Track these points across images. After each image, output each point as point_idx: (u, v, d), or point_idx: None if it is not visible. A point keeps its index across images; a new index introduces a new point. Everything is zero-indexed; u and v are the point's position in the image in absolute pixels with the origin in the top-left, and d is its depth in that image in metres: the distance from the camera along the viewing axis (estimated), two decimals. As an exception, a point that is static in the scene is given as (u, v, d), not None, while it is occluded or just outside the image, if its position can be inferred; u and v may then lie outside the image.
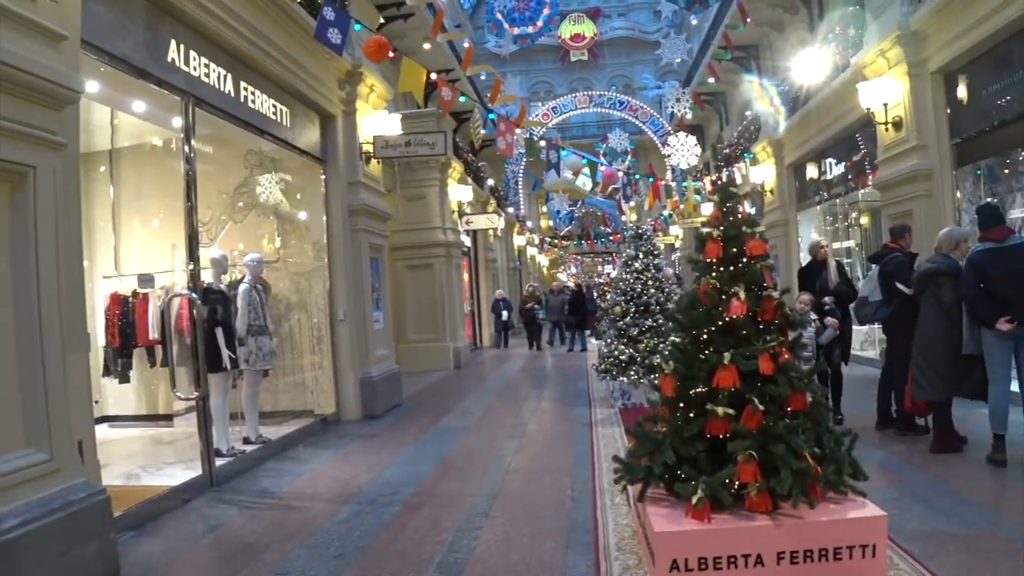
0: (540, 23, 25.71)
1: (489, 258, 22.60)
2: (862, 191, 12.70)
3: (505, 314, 20.75)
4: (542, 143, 10.74)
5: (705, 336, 4.02)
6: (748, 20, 17.47)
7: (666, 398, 4.09)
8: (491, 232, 23.01)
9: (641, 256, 9.35)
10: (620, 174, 10.96)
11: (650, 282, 9.22)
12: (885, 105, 10.13)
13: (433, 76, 9.14)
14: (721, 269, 4.04)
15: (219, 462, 6.61)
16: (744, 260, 4.02)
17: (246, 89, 7.44)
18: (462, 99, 9.77)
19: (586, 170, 31.61)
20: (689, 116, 16.53)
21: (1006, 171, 8.98)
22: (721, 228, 4.10)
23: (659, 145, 28.17)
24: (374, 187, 10.42)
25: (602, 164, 10.53)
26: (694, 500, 3.49)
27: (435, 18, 9.63)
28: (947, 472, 5.52)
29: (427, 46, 23.62)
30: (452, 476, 6.35)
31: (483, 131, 9.98)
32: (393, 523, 4.99)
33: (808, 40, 19.05)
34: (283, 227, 8.99)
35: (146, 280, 8.16)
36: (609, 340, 9.37)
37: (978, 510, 4.59)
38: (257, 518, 5.34)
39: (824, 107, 13.06)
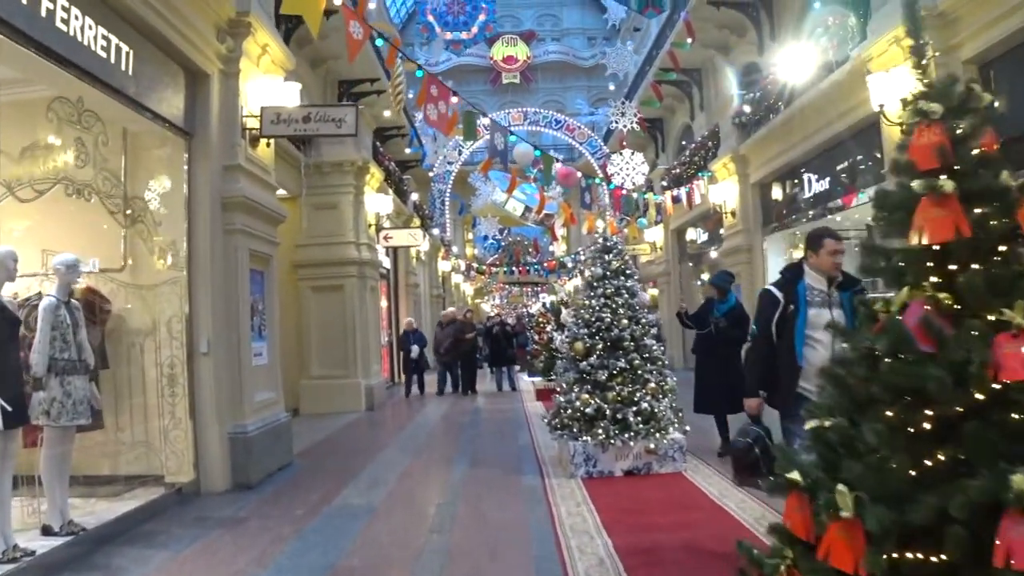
0: (475, 29, 23.67)
1: (411, 283, 20.12)
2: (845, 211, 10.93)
3: (416, 350, 15.66)
4: (484, 120, 8.49)
5: (928, 425, 1.74)
6: (693, 41, 15.76)
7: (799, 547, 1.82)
8: (414, 254, 20.58)
9: (610, 276, 7.13)
10: (579, 174, 8.94)
11: (621, 310, 7.00)
12: (903, 101, 8.27)
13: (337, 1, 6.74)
14: (959, 268, 1.80)
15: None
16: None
17: (55, 1, 4.94)
18: (379, 42, 7.38)
19: (518, 193, 29.65)
20: (636, 128, 14.70)
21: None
22: (954, 174, 1.88)
23: (596, 168, 26.42)
24: (261, 176, 7.94)
25: (558, 161, 8.56)
26: None
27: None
28: None
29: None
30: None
31: (406, 95, 7.61)
32: None
33: (757, 65, 17.65)
34: (117, 219, 6.39)
35: None
36: (565, 386, 7.09)
37: None
38: None
39: (808, 113, 11.24)
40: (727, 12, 19.35)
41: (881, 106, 8.49)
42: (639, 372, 6.79)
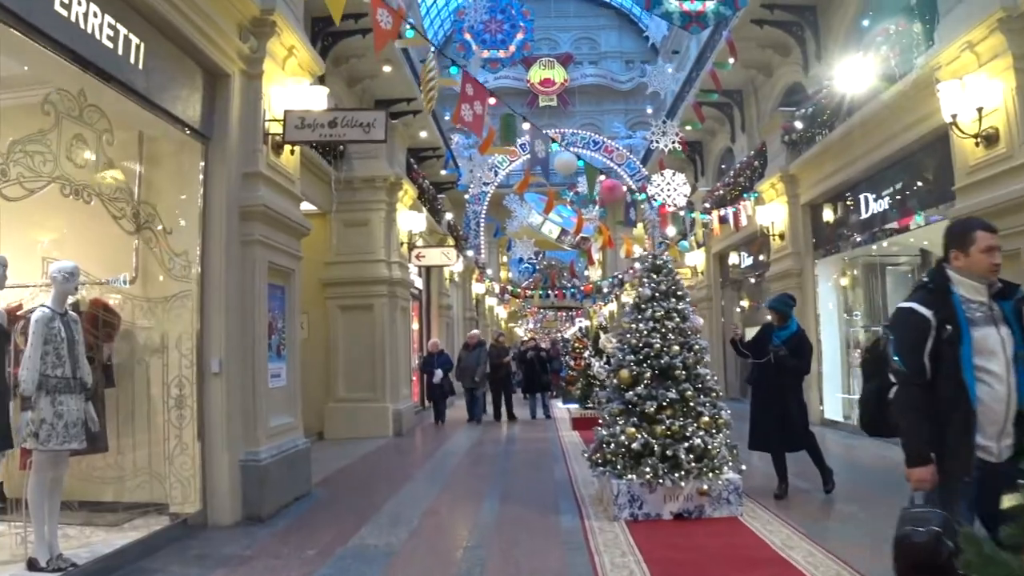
0: (512, 48, 23.29)
1: (443, 304, 19.58)
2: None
3: (439, 374, 14.49)
4: (526, 125, 7.86)
5: None
6: (735, 60, 15.14)
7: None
8: (447, 275, 20.06)
9: (659, 297, 6.48)
10: (624, 188, 8.30)
11: (672, 335, 6.33)
12: (980, 111, 7.55)
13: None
14: None
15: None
16: None
17: (56, -16, 4.48)
18: (409, 34, 6.83)
19: (554, 215, 29.09)
20: (678, 148, 14.00)
21: None
22: None
23: (635, 189, 25.76)
24: (284, 185, 7.44)
25: (602, 174, 7.95)
26: None
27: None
28: None
29: (387, 69, 21.12)
30: None
31: (438, 91, 6.99)
32: None
33: (801, 85, 16.92)
34: (122, 226, 5.89)
35: None
36: (608, 418, 6.42)
37: None
38: None
39: (867, 128, 10.52)
40: (770, 31, 18.71)
41: (954, 116, 7.77)
42: (691, 404, 6.09)
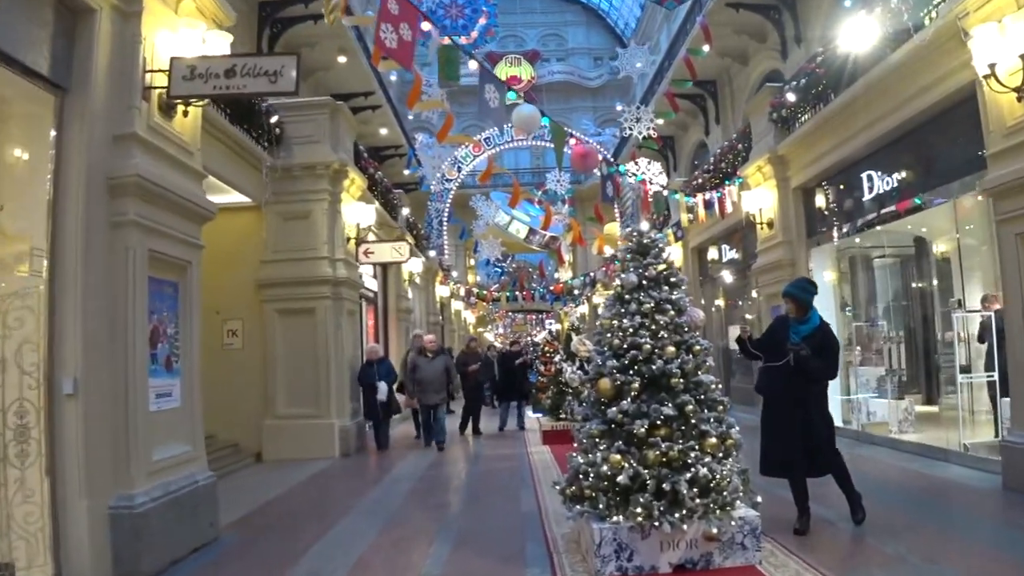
0: (475, 34, 21.85)
1: (403, 307, 18.03)
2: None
3: (383, 388, 11.74)
4: (472, 64, 6.37)
5: None
6: (711, 46, 13.86)
7: None
8: (406, 276, 18.55)
9: (648, 286, 5.07)
10: (599, 156, 6.99)
11: (665, 333, 4.93)
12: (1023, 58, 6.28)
13: None
14: None
15: None
16: None
17: None
18: None
19: (522, 214, 27.69)
20: (653, 135, 12.60)
21: None
22: None
23: (613, 161, 24.47)
24: (175, 155, 5.92)
25: (575, 136, 6.62)
26: None
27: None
28: None
29: (342, 59, 19.64)
30: None
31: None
32: None
33: (779, 73, 15.71)
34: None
35: None
36: (585, 440, 5.00)
37: None
38: None
39: (872, 95, 9.26)
40: (747, 15, 17.59)
41: (991, 67, 6.48)
42: (693, 421, 4.70)
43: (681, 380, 4.76)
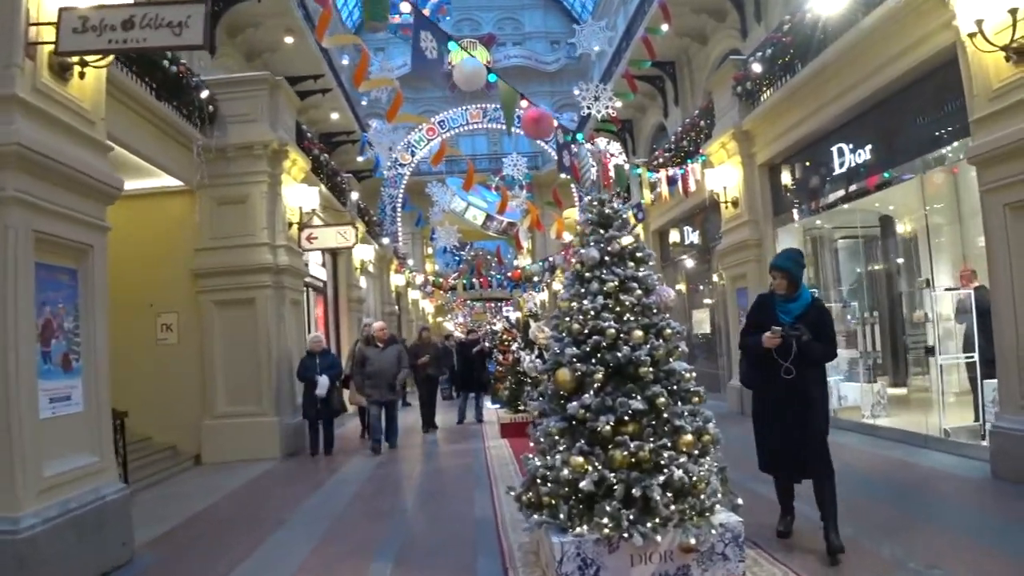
0: (427, 11, 21.07)
1: (354, 297, 17.25)
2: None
3: (324, 384, 10.22)
4: (405, 6, 5.68)
5: None
6: (669, 25, 13.31)
7: None
8: (358, 264, 17.78)
9: (611, 262, 4.47)
10: (554, 121, 6.42)
11: (631, 316, 4.33)
12: (1014, 13, 5.77)
13: None
14: None
15: None
16: None
17: None
18: None
19: (478, 200, 27.00)
20: (611, 112, 12.02)
21: None
22: None
23: (569, 129, 23.91)
24: (71, 123, 5.14)
25: (526, 99, 6.00)
26: None
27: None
28: None
29: (289, 40, 18.72)
30: None
31: None
32: None
33: (738, 52, 15.24)
34: None
35: None
36: (543, 440, 4.39)
37: None
38: None
39: (842, 64, 8.79)
40: (707, -8, 17.21)
41: (978, 23, 5.99)
42: (665, 415, 4.12)
43: (651, 369, 4.17)
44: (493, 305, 35.90)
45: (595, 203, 4.60)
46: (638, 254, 4.50)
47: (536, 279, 24.87)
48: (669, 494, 3.97)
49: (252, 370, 10.44)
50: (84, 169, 5.20)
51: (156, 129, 9.40)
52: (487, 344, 14.64)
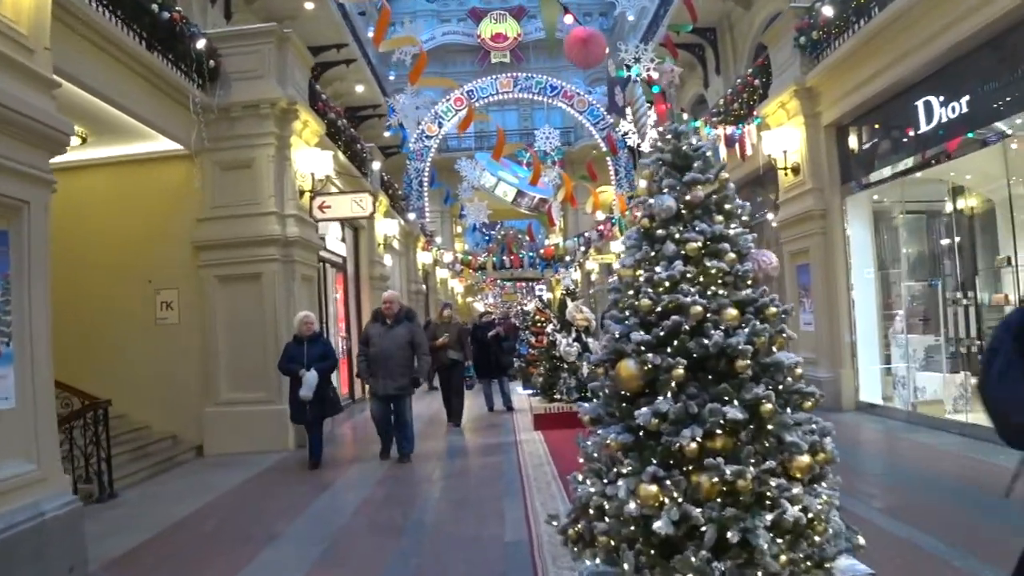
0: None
1: (376, 274, 16.18)
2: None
3: (310, 380, 7.95)
4: None
5: None
6: None
7: None
8: (382, 240, 16.73)
9: (691, 215, 3.29)
10: (605, 48, 5.31)
11: (723, 291, 3.16)
12: None
13: None
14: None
15: None
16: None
17: None
18: None
19: (508, 175, 25.83)
20: (655, 75, 10.80)
21: None
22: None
23: (600, 141, 22.66)
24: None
25: (570, 14, 4.94)
26: None
27: None
28: None
29: (310, 6, 17.61)
30: None
31: None
32: None
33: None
34: None
35: None
36: (599, 459, 3.24)
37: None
38: None
39: (933, 2, 7.46)
40: (752, -50, 15.78)
41: None
42: (772, 428, 2.95)
43: (751, 363, 3.00)
44: (524, 285, 34.83)
45: (669, 137, 3.40)
46: (726, 205, 3.31)
47: (569, 258, 23.70)
48: (780, 539, 2.81)
49: (259, 352, 9.45)
50: (16, 107, 4.13)
51: (148, 84, 8.39)
52: (500, 328, 13.10)
